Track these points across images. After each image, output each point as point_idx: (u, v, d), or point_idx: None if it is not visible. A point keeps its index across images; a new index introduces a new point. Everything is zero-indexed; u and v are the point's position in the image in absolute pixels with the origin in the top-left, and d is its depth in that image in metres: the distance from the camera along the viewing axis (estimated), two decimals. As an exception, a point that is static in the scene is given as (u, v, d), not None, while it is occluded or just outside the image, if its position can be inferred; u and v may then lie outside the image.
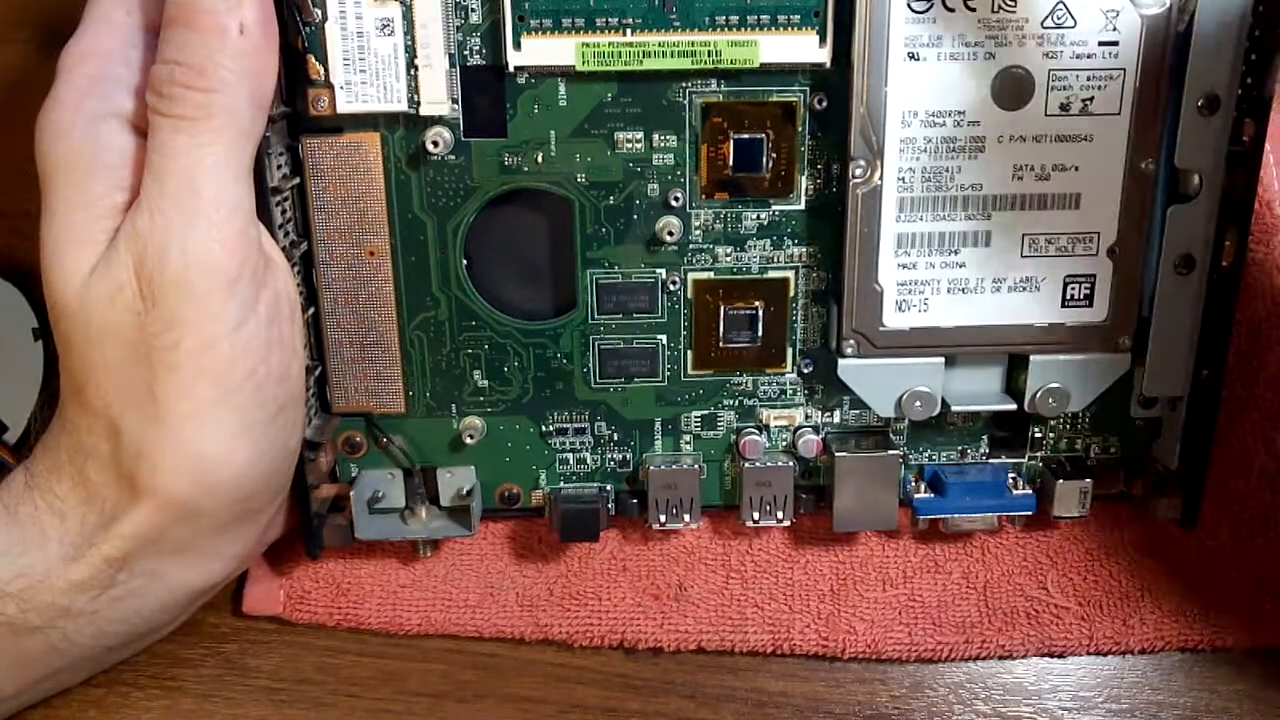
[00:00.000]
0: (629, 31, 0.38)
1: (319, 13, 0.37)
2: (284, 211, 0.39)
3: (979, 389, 0.43)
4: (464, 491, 0.44)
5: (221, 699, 0.44)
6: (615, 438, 0.44)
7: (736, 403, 0.44)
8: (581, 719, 0.45)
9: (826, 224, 0.41)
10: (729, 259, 0.42)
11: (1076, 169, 0.39)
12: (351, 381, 0.42)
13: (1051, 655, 0.45)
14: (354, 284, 0.41)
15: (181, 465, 0.35)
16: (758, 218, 0.41)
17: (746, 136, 0.40)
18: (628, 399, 0.43)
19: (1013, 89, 0.38)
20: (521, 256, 0.42)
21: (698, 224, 0.41)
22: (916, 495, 0.44)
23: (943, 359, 0.41)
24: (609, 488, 0.45)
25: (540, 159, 0.40)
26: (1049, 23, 0.37)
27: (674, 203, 0.41)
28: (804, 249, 0.42)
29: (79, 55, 0.35)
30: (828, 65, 0.39)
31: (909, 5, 0.37)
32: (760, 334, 0.43)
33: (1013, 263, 0.40)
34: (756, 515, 0.44)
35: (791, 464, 0.43)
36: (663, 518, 0.43)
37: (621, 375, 0.43)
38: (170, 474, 0.35)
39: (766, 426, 0.44)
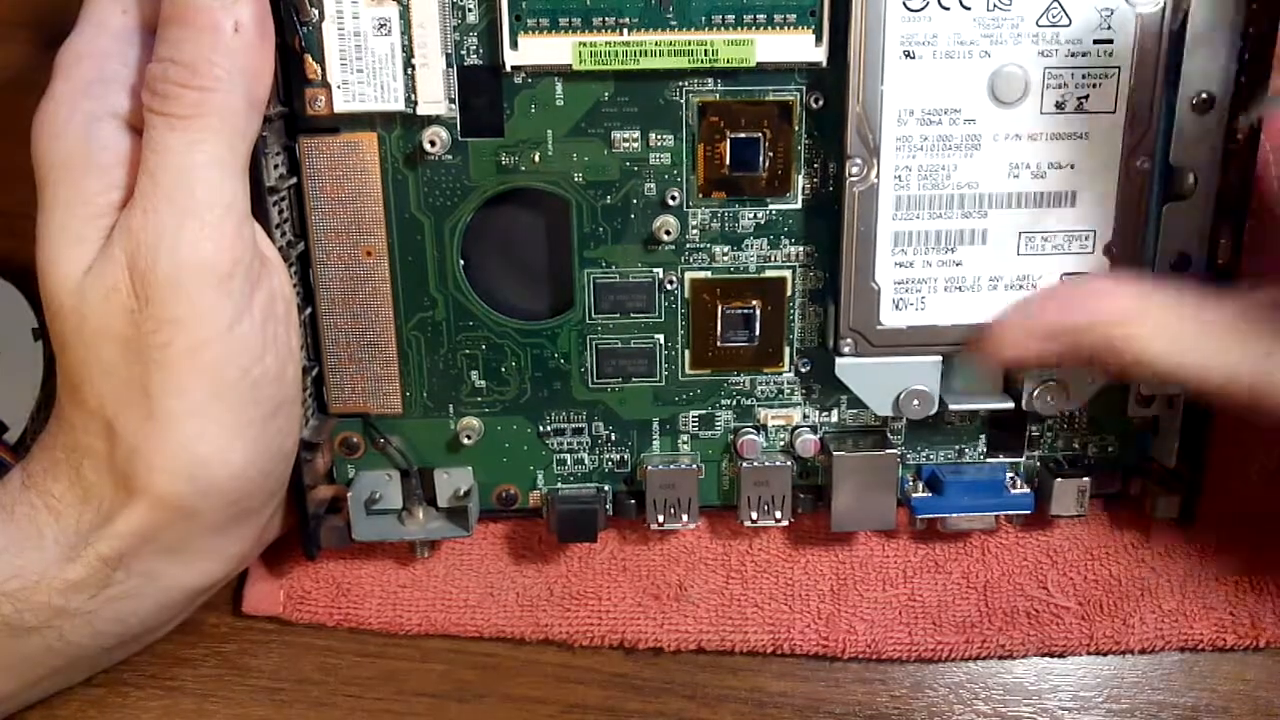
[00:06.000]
0: (626, 31, 0.38)
1: (316, 12, 0.37)
2: (281, 211, 0.39)
3: (976, 388, 0.42)
4: (461, 492, 0.44)
5: (221, 699, 0.44)
6: (613, 438, 0.44)
7: (734, 402, 0.44)
8: (581, 719, 0.45)
9: (823, 223, 0.41)
10: (726, 258, 0.42)
11: (1072, 167, 0.39)
12: (348, 382, 0.42)
13: (1051, 655, 0.45)
14: (351, 284, 0.41)
15: (176, 464, 0.35)
16: (755, 217, 0.41)
17: (743, 135, 0.40)
18: (625, 399, 0.43)
19: (1008, 87, 0.38)
20: (519, 256, 0.42)
21: (695, 223, 0.41)
22: (914, 495, 0.44)
23: (940, 358, 0.41)
24: (607, 488, 0.45)
25: (537, 158, 0.40)
26: (1044, 21, 0.37)
27: (671, 202, 0.41)
28: (801, 248, 0.42)
29: (75, 54, 0.35)
30: (824, 64, 0.39)
31: (904, 4, 0.37)
32: (757, 333, 0.42)
33: (1009, 261, 0.40)
34: (755, 515, 0.44)
35: (789, 463, 0.43)
36: (661, 518, 0.43)
37: (619, 375, 0.43)
38: (165, 473, 0.35)
39: (764, 426, 0.44)
